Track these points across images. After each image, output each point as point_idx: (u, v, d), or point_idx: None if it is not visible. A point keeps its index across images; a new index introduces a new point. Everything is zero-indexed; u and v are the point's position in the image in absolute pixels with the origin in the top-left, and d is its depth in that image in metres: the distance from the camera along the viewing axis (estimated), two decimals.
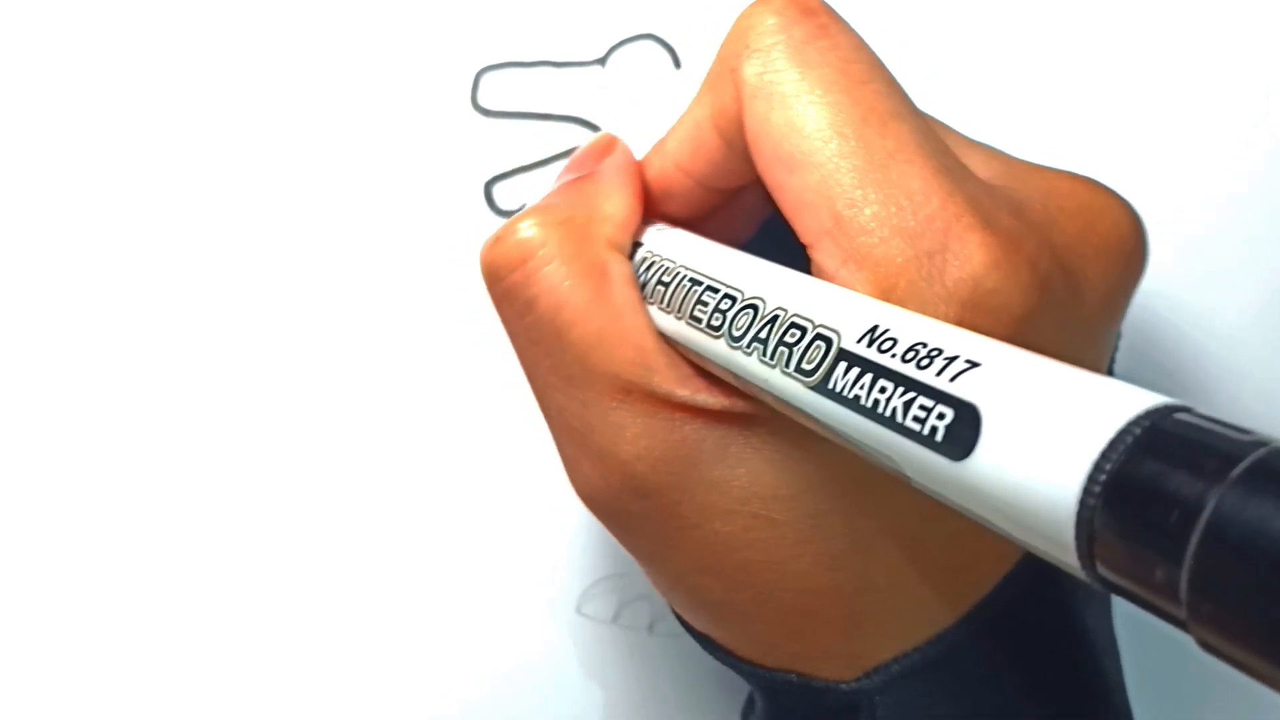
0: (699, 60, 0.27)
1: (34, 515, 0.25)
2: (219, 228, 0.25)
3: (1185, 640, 0.09)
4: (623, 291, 0.18)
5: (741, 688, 0.30)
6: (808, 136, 0.16)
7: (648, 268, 0.19)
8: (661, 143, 0.21)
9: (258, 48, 0.25)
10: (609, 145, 0.21)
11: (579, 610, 0.28)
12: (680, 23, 0.27)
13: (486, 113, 0.26)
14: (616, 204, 0.20)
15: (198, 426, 0.25)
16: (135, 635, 0.26)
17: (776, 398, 0.15)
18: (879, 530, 0.18)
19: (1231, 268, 0.27)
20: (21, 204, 0.25)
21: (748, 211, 0.22)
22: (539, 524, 0.27)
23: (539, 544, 0.27)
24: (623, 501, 0.19)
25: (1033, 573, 0.19)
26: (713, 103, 0.19)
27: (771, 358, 0.15)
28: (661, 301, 0.18)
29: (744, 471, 0.18)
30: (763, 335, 0.15)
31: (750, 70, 0.17)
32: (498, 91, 0.26)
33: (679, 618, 0.22)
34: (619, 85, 0.27)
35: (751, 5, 0.18)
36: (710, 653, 0.21)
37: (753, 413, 0.17)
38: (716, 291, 0.17)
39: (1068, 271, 0.17)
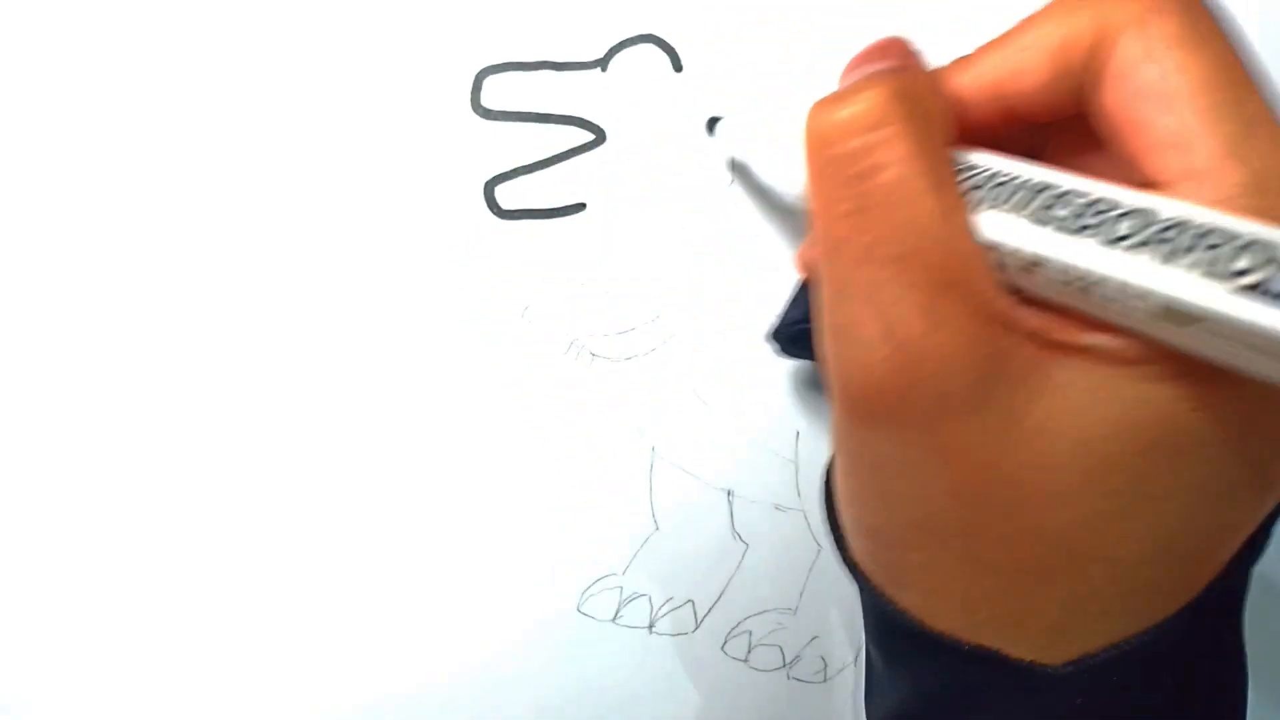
0: (699, 61, 0.27)
1: (35, 515, 0.25)
2: (220, 228, 0.25)
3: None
4: (955, 188, 0.18)
5: (743, 689, 0.30)
6: (1196, 78, 0.17)
7: (977, 175, 0.18)
8: (969, 61, 0.20)
9: (259, 49, 0.25)
10: (907, 45, 0.20)
11: (580, 609, 0.28)
12: (680, 25, 0.27)
13: (487, 114, 0.26)
14: (945, 104, 0.19)
15: (198, 426, 0.26)
16: (134, 633, 0.26)
17: (1165, 301, 0.15)
18: (1155, 499, 0.17)
19: None
20: (24, 205, 0.25)
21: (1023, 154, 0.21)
22: (539, 524, 0.28)
23: (539, 544, 0.28)
24: (912, 395, 0.17)
25: (1229, 584, 0.18)
26: (1060, 32, 0.18)
27: (1185, 254, 0.15)
28: (994, 202, 0.17)
29: (1044, 404, 0.17)
30: (1168, 236, 0.15)
31: (1126, 10, 0.17)
32: (499, 93, 0.26)
33: (850, 563, 0.21)
34: (620, 87, 0.27)
35: None
36: (880, 608, 0.20)
37: (1070, 342, 0.17)
38: (1084, 195, 0.16)
39: None
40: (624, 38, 0.27)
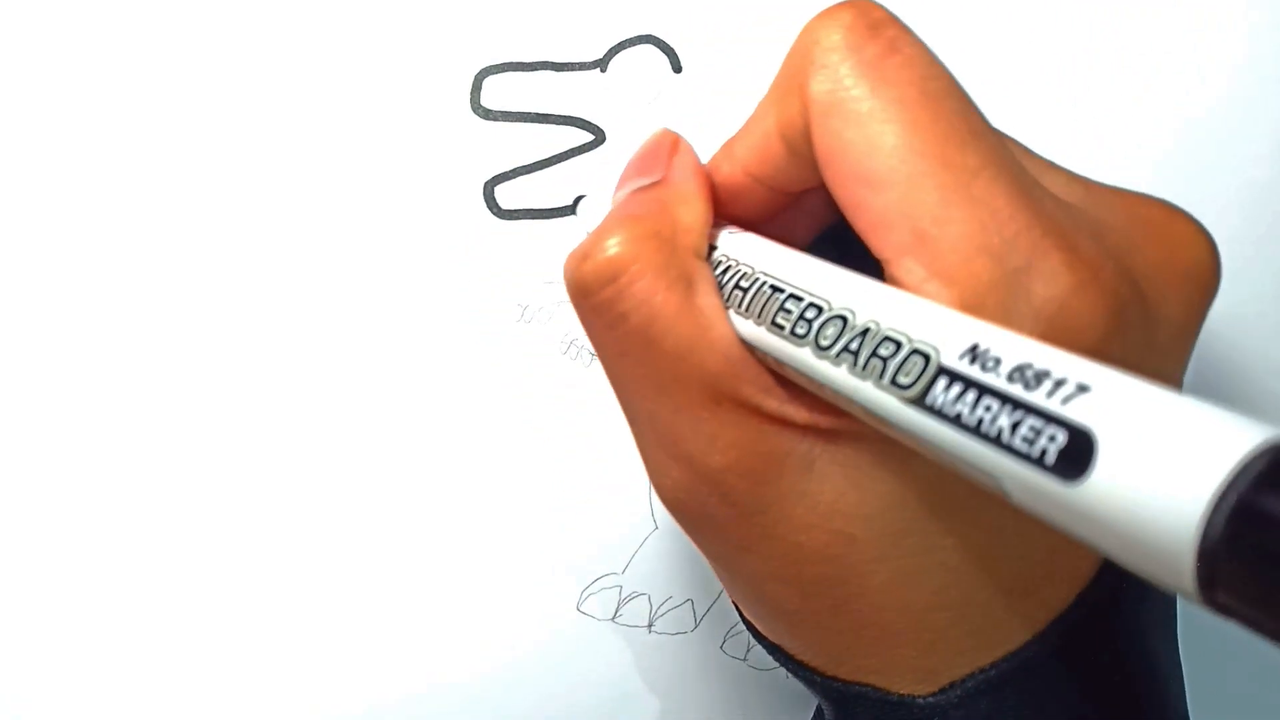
0: (699, 61, 0.27)
1: (35, 515, 0.25)
2: (221, 229, 0.25)
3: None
4: (709, 300, 0.19)
5: (742, 687, 0.30)
6: (887, 155, 0.16)
7: (724, 271, 0.19)
8: (729, 147, 0.21)
9: (260, 50, 0.25)
10: (674, 144, 0.21)
11: (579, 609, 0.28)
12: (680, 25, 0.27)
13: (487, 114, 0.26)
14: (695, 211, 0.20)
15: (198, 427, 0.26)
16: (135, 634, 0.26)
17: (865, 409, 0.15)
18: (957, 549, 0.18)
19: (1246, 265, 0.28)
20: (27, 206, 0.25)
21: (811, 214, 0.22)
22: (539, 524, 0.28)
23: (539, 544, 0.28)
24: (707, 507, 0.19)
25: (1103, 595, 0.19)
26: (779, 115, 0.19)
27: (864, 369, 0.15)
28: (740, 306, 0.18)
29: (829, 487, 0.18)
30: (853, 347, 0.15)
31: (818, 88, 0.17)
32: (499, 93, 0.26)
33: (748, 625, 0.22)
34: (620, 87, 0.27)
35: (815, 19, 0.18)
36: (781, 662, 0.21)
37: (839, 428, 0.17)
38: (800, 300, 0.17)
39: (1145, 298, 0.17)
40: (624, 38, 0.27)
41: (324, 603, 0.27)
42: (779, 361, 0.17)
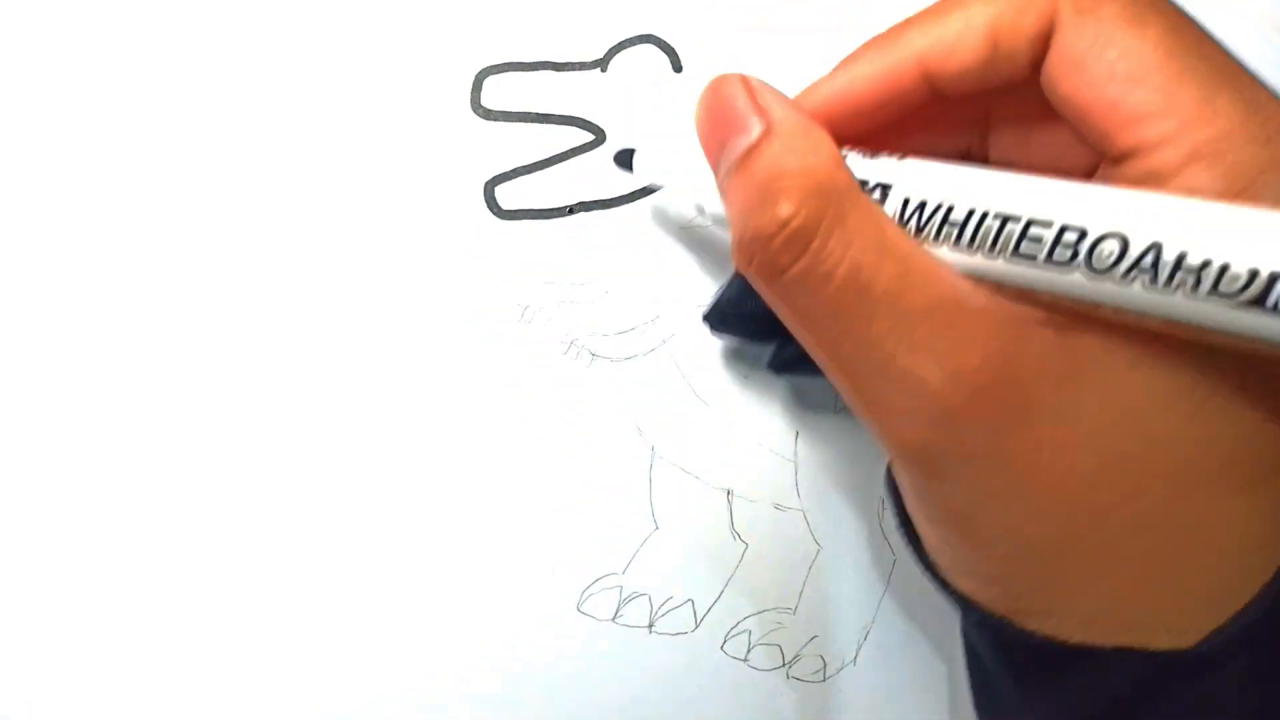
0: (699, 61, 0.28)
1: (35, 515, 0.25)
2: (221, 229, 0.25)
3: None
4: (896, 231, 0.18)
5: (742, 688, 0.30)
6: (1151, 53, 0.17)
7: (917, 210, 0.18)
8: (895, 34, 0.20)
9: (260, 50, 0.25)
10: (750, 89, 0.20)
11: (579, 609, 0.28)
12: (680, 25, 0.27)
13: (488, 114, 0.26)
14: (828, 148, 0.19)
15: (198, 427, 0.26)
16: (134, 635, 0.26)
17: (1165, 320, 0.15)
18: (1232, 453, 0.17)
19: None
20: (27, 206, 0.25)
21: (941, 132, 0.21)
22: (539, 524, 0.28)
23: (539, 543, 0.28)
24: (963, 441, 0.18)
25: None
26: (999, 14, 0.18)
27: (1168, 285, 0.15)
28: (955, 242, 0.17)
29: (1090, 396, 0.17)
30: (1146, 264, 0.15)
31: None
32: (499, 93, 0.26)
33: (960, 598, 0.21)
34: (620, 87, 0.27)
35: None
36: (1006, 635, 0.20)
37: (1088, 324, 0.17)
38: (1048, 225, 0.16)
39: None
40: (624, 38, 0.27)
41: (324, 603, 0.27)
42: (1014, 288, 0.17)
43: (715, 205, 0.23)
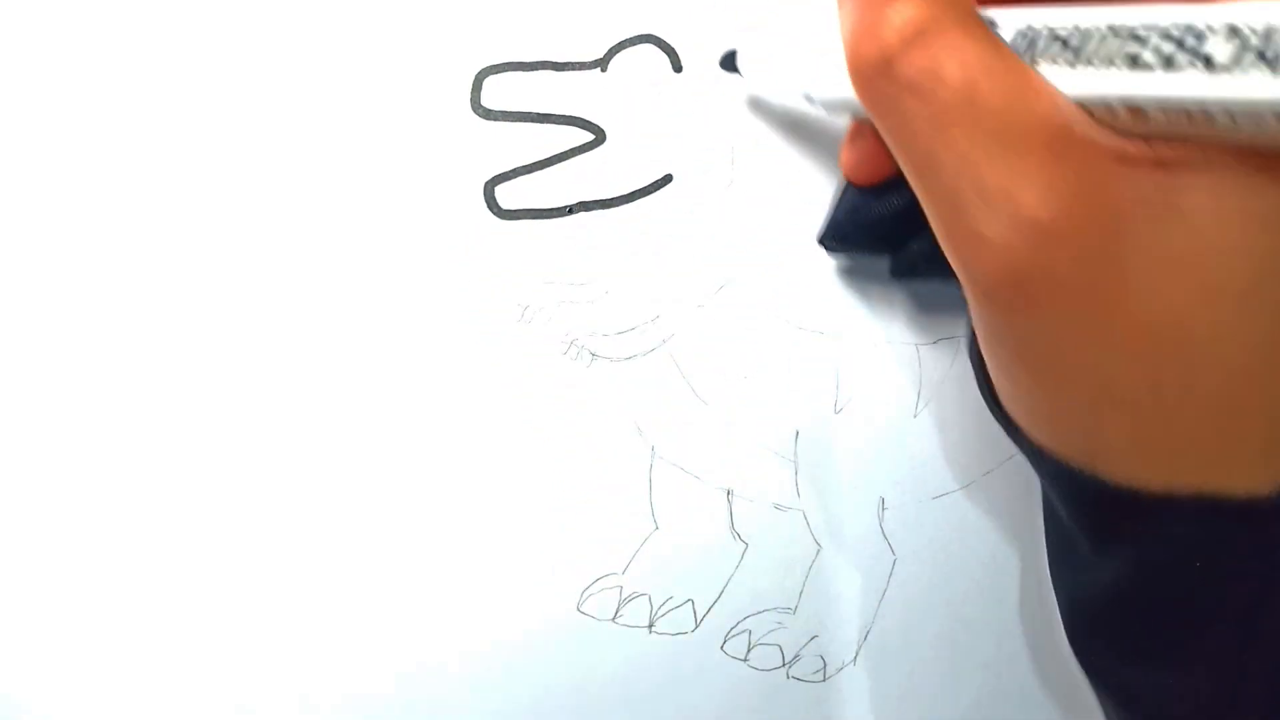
0: (699, 61, 0.27)
1: (35, 516, 0.25)
2: (221, 229, 0.25)
3: None
4: (1011, 53, 0.18)
5: (742, 688, 0.30)
6: None
7: (1024, 36, 0.18)
8: None
9: (260, 50, 0.25)
10: None
11: (579, 609, 0.28)
12: (680, 25, 0.27)
13: (488, 114, 0.26)
14: None
15: (197, 427, 0.26)
16: (132, 634, 0.26)
17: (1267, 116, 0.14)
18: None
19: None
20: (27, 207, 0.25)
21: None
22: (539, 524, 0.28)
23: (539, 544, 0.28)
24: (1056, 268, 0.17)
25: None
26: None
27: None
28: (1066, 61, 0.17)
29: (1187, 232, 0.16)
30: (1268, 51, 0.14)
31: None
32: (499, 93, 0.26)
33: (1034, 448, 0.20)
34: (620, 87, 0.27)
35: None
36: (1081, 484, 0.19)
37: (1192, 158, 0.16)
38: (1160, 29, 0.16)
39: None
40: (624, 38, 0.27)
41: (324, 603, 0.27)
42: (1117, 111, 0.16)
43: (825, 90, 0.22)
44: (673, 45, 0.27)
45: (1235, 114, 0.15)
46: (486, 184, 0.26)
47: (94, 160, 0.25)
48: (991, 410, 0.22)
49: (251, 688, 0.26)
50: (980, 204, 0.18)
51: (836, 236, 0.27)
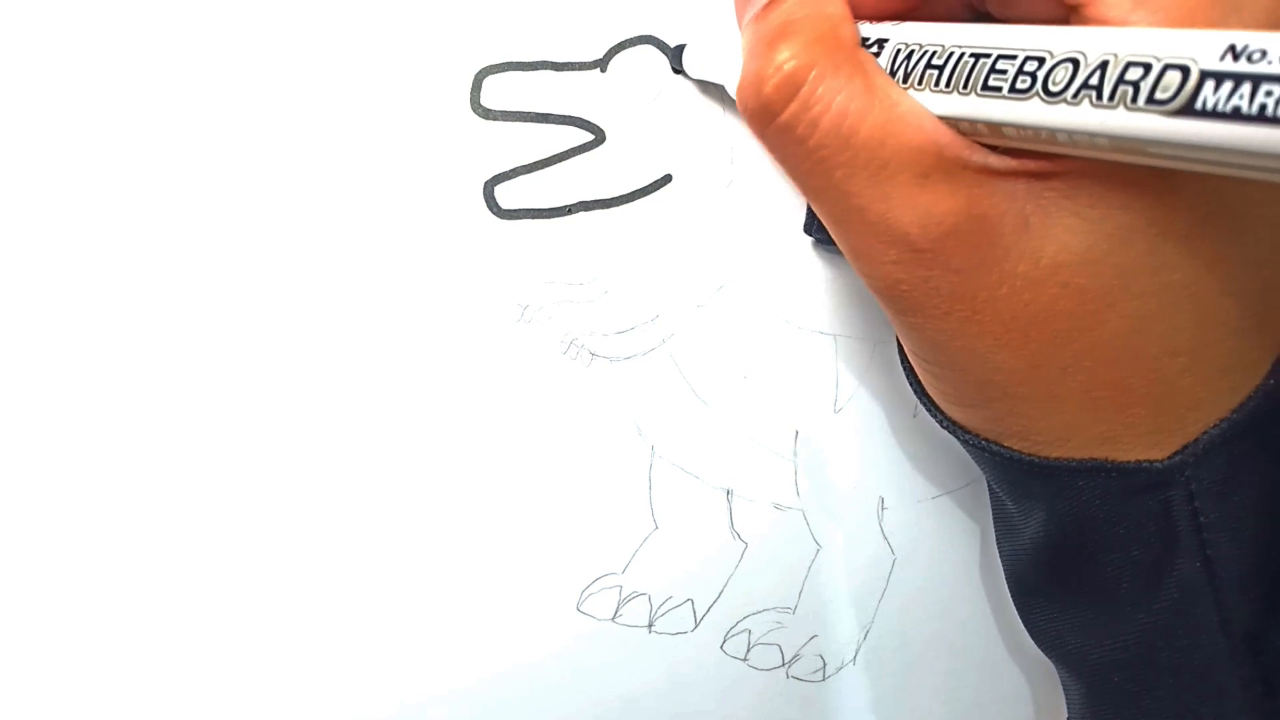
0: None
1: (35, 517, 0.25)
2: (221, 229, 0.25)
3: None
4: (886, 83, 0.19)
5: (742, 687, 0.30)
6: None
7: (906, 57, 0.19)
8: None
9: (259, 50, 0.25)
10: None
11: (579, 609, 0.28)
12: (680, 25, 0.27)
13: (487, 114, 0.26)
14: (838, 6, 0.20)
15: (195, 427, 0.26)
16: (135, 637, 0.26)
17: (1111, 138, 0.16)
18: (1186, 285, 0.18)
19: None
20: (28, 207, 0.25)
21: (937, 13, 0.22)
22: (539, 524, 0.28)
23: (539, 543, 0.28)
24: (930, 281, 0.19)
25: None
26: None
27: (1111, 98, 0.15)
28: (934, 84, 0.19)
29: (1050, 238, 0.18)
30: (1094, 82, 0.16)
31: None
32: (499, 93, 0.26)
33: (951, 425, 0.22)
34: (619, 87, 0.27)
35: None
36: (990, 457, 0.21)
37: (1054, 170, 0.18)
38: (1013, 58, 0.17)
39: None
40: (624, 38, 0.27)
41: (324, 603, 0.27)
42: (980, 128, 0.18)
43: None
44: (672, 45, 0.27)
45: (1072, 136, 0.17)
46: (486, 184, 0.26)
47: (94, 161, 0.25)
48: (912, 388, 0.24)
49: (247, 683, 0.26)
50: (863, 228, 0.19)
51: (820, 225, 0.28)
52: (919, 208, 0.19)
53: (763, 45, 0.20)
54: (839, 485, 0.30)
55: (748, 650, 0.30)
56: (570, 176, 0.27)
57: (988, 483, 0.25)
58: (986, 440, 0.22)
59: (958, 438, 0.23)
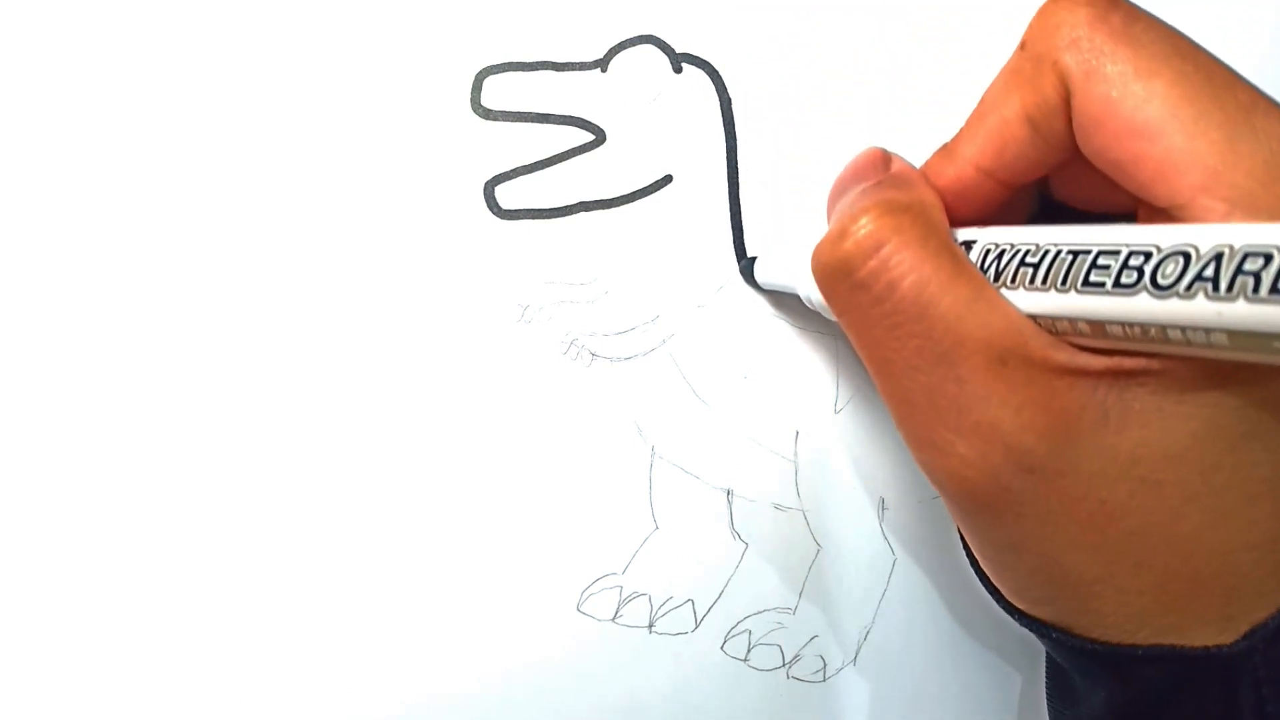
0: (699, 62, 0.27)
1: (43, 516, 0.25)
2: (221, 229, 0.25)
3: None
4: (973, 268, 0.19)
5: (742, 688, 0.30)
6: (1162, 105, 0.17)
7: (997, 256, 0.19)
8: (951, 149, 0.21)
9: (260, 50, 0.25)
10: (885, 156, 0.22)
11: (579, 609, 0.28)
12: (680, 26, 0.27)
13: (487, 114, 0.26)
14: (933, 197, 0.20)
15: (194, 428, 0.26)
16: (136, 637, 0.26)
17: (1228, 331, 0.15)
18: (1268, 479, 0.18)
19: None
20: (29, 207, 0.25)
21: (1015, 210, 0.22)
22: (539, 524, 0.28)
23: (539, 544, 0.28)
24: (1003, 479, 0.18)
25: None
26: (1023, 99, 0.19)
27: (1229, 290, 0.15)
28: (1029, 281, 0.18)
29: (1130, 434, 0.17)
30: (1208, 274, 0.15)
31: (1075, 59, 0.18)
32: (499, 93, 0.26)
33: (1015, 612, 0.22)
34: (620, 87, 0.27)
35: (1048, 6, 0.19)
36: (1057, 644, 0.21)
37: (1143, 368, 0.17)
38: (1115, 253, 0.17)
39: None
40: (624, 38, 0.27)
41: (324, 603, 0.27)
42: (1081, 326, 0.17)
43: (813, 292, 0.24)
44: (672, 45, 0.27)
45: (1186, 332, 0.16)
46: (486, 184, 0.26)
47: (94, 162, 0.25)
48: (973, 570, 0.23)
49: (247, 683, 0.26)
50: (930, 414, 0.19)
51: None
52: (996, 397, 0.18)
53: (850, 211, 0.19)
54: (840, 486, 0.30)
55: (748, 651, 0.30)
56: (570, 177, 0.27)
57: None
58: (1051, 626, 0.21)
59: (1021, 623, 0.22)
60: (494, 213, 0.27)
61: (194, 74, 0.25)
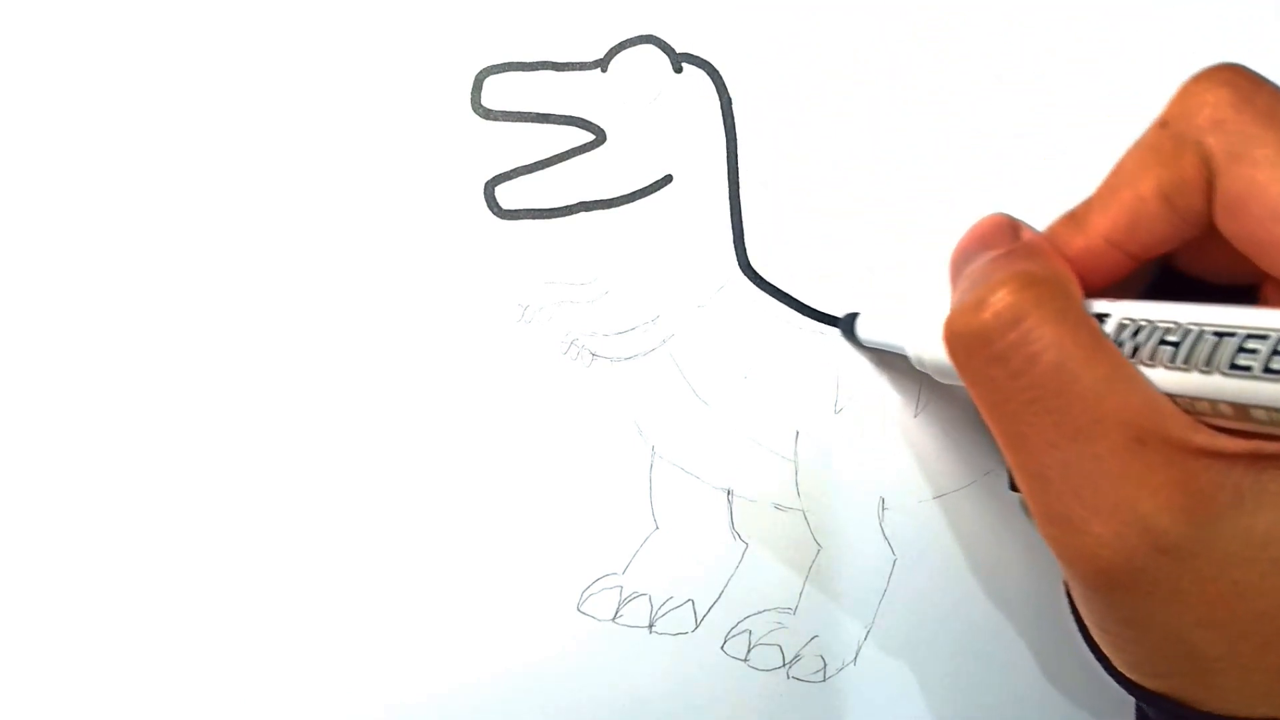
0: (699, 62, 0.27)
1: (43, 516, 0.25)
2: (222, 229, 0.25)
3: None
4: (1111, 345, 0.19)
5: (743, 688, 0.30)
6: None
7: (1133, 333, 0.19)
8: (1080, 219, 0.21)
9: (260, 50, 0.25)
10: (1012, 223, 0.22)
11: (579, 609, 0.28)
12: (680, 26, 0.27)
13: (487, 114, 0.26)
14: (1068, 271, 0.20)
15: (194, 428, 0.26)
16: (137, 637, 0.26)
17: None
18: None
19: None
20: (31, 208, 0.25)
21: (1136, 279, 0.22)
22: (539, 524, 0.28)
23: (539, 543, 0.28)
24: (1138, 559, 0.18)
25: None
26: (1161, 176, 0.19)
27: None
28: (1170, 360, 0.18)
29: (1264, 516, 0.17)
30: None
31: (1220, 141, 0.18)
32: (499, 93, 0.26)
33: (1130, 685, 0.22)
34: (620, 87, 0.27)
35: (1196, 80, 0.19)
36: (1172, 714, 0.21)
37: (1274, 458, 0.17)
38: (1264, 338, 0.17)
39: None
40: (624, 38, 0.27)
41: (324, 603, 0.27)
42: (1223, 408, 0.17)
43: (931, 354, 0.24)
44: (672, 45, 0.27)
45: None
46: (487, 184, 0.26)
47: (94, 162, 0.25)
48: (1086, 643, 0.23)
49: (247, 683, 0.26)
50: (1064, 491, 0.19)
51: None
52: (1133, 477, 0.18)
53: (983, 279, 0.19)
54: (840, 486, 0.30)
55: (748, 651, 0.30)
56: (571, 176, 0.27)
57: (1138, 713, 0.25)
58: (1165, 698, 0.21)
59: (1136, 697, 0.22)
60: (494, 213, 0.27)
61: (195, 74, 0.25)
